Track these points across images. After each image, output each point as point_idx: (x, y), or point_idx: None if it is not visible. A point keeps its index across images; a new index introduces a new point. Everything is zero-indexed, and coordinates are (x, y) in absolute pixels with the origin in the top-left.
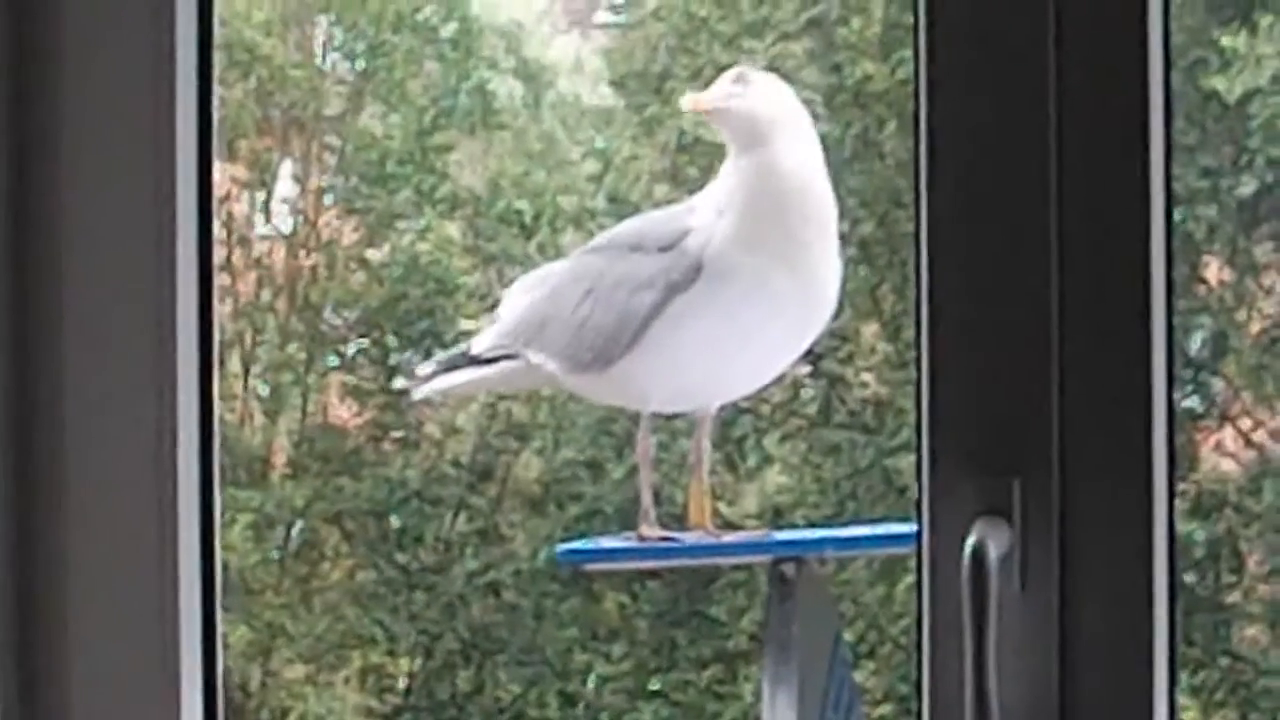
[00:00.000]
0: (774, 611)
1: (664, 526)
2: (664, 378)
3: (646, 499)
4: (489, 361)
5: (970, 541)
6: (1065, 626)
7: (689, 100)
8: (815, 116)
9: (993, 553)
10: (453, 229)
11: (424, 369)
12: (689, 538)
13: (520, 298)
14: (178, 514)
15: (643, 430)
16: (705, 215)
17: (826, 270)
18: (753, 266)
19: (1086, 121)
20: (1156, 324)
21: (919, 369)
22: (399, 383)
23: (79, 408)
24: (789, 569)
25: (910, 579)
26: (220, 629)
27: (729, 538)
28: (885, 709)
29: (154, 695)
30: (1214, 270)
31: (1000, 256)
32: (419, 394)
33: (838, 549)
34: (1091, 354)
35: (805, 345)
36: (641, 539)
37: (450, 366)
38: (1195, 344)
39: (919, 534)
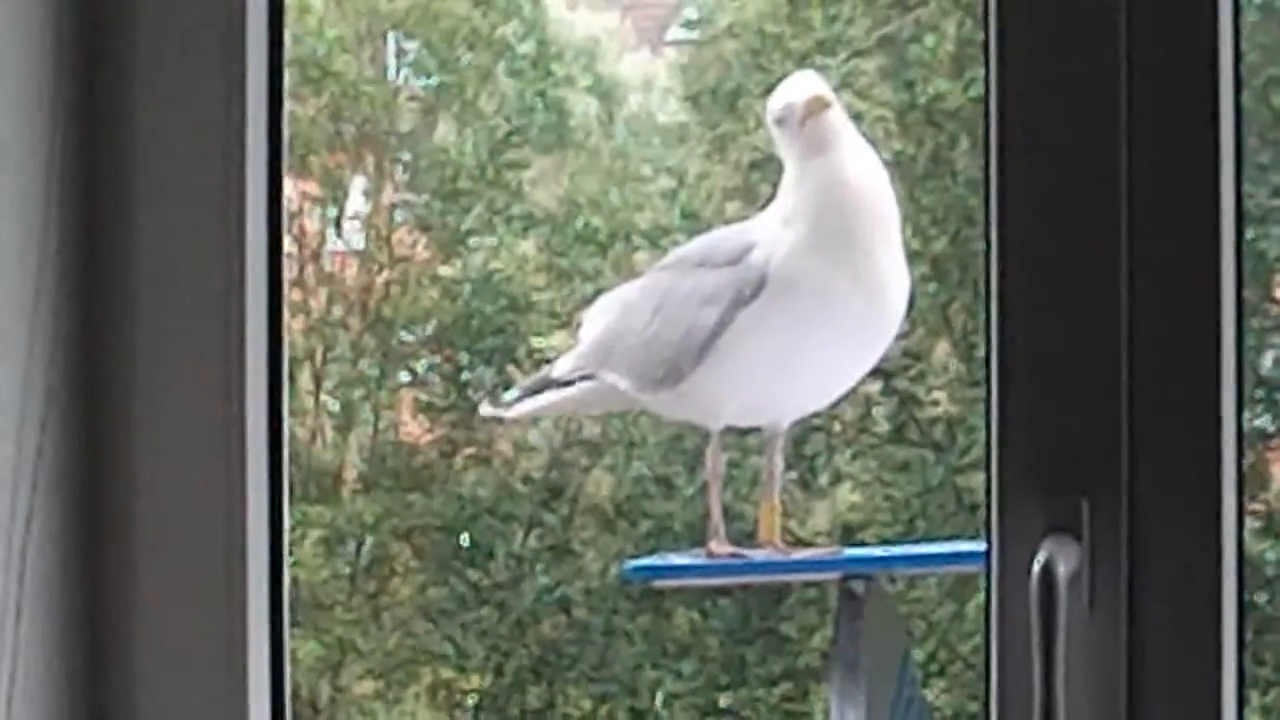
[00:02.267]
0: (843, 629)
1: (734, 543)
2: (732, 392)
3: (716, 515)
4: (570, 384)
5: (1039, 560)
6: (1133, 645)
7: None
8: (887, 134)
9: (1061, 571)
10: (526, 246)
11: (510, 395)
12: (758, 554)
13: (597, 319)
14: (246, 530)
15: (713, 447)
16: (770, 228)
17: (893, 278)
18: (817, 276)
19: (1157, 140)
20: (1227, 343)
21: (989, 387)
22: (485, 409)
23: (149, 422)
24: (858, 586)
25: (980, 598)
26: (288, 645)
27: (798, 555)
28: None
29: (222, 711)
30: None
31: (1070, 274)
32: (507, 416)
33: (907, 567)
34: (1162, 372)
35: (874, 358)
36: (711, 555)
37: (534, 390)
38: (1267, 363)
39: (988, 552)
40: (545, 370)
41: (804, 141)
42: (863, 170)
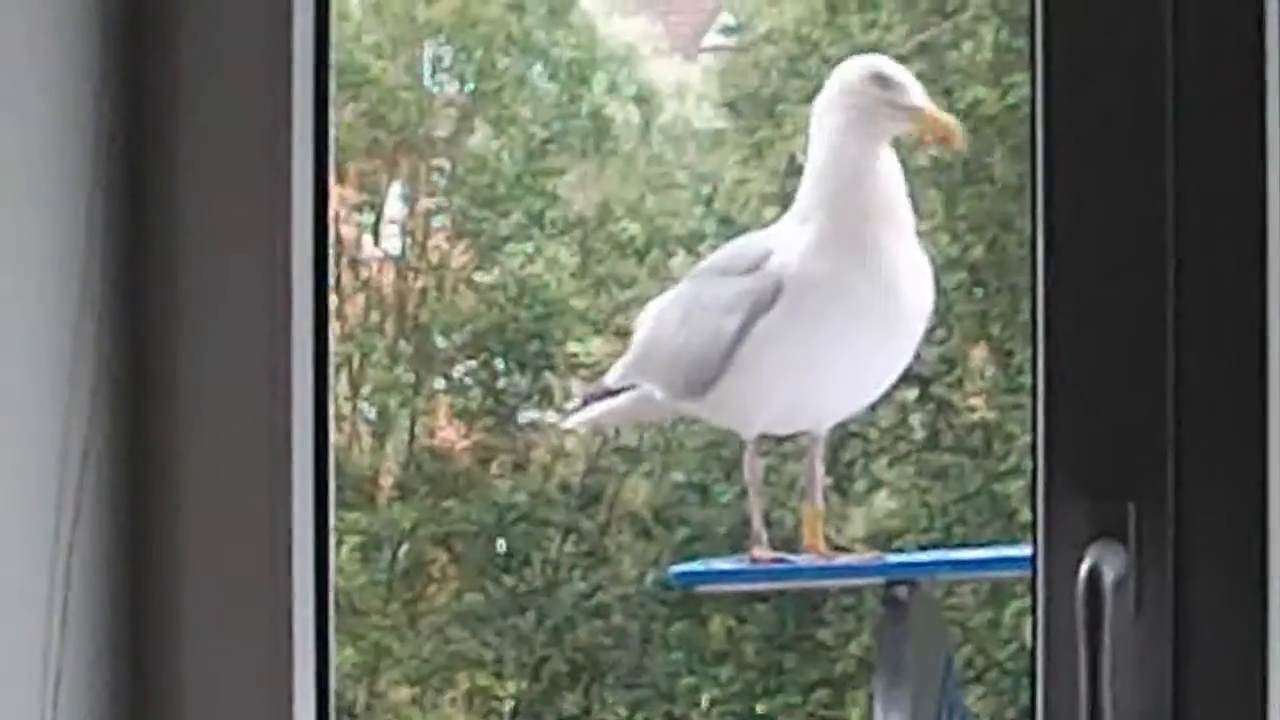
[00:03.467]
0: (886, 634)
1: (773, 549)
2: (761, 399)
3: (757, 521)
4: (618, 393)
5: (1085, 565)
6: (1180, 651)
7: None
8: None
9: (1108, 576)
10: (563, 252)
11: (571, 404)
12: (801, 560)
13: (639, 329)
14: (291, 537)
15: (749, 453)
16: (786, 233)
17: (909, 270)
18: (831, 277)
19: (1203, 144)
20: (1274, 346)
21: (1034, 391)
22: (550, 417)
23: (193, 431)
24: (901, 591)
25: (1018, 604)
26: (334, 653)
27: (842, 560)
28: None
29: (267, 717)
30: None
31: (1116, 279)
32: (564, 426)
33: (951, 572)
34: (1208, 376)
35: (904, 355)
36: (754, 561)
37: (590, 399)
38: None
39: (1033, 557)
40: (600, 381)
41: (850, 129)
42: (882, 165)
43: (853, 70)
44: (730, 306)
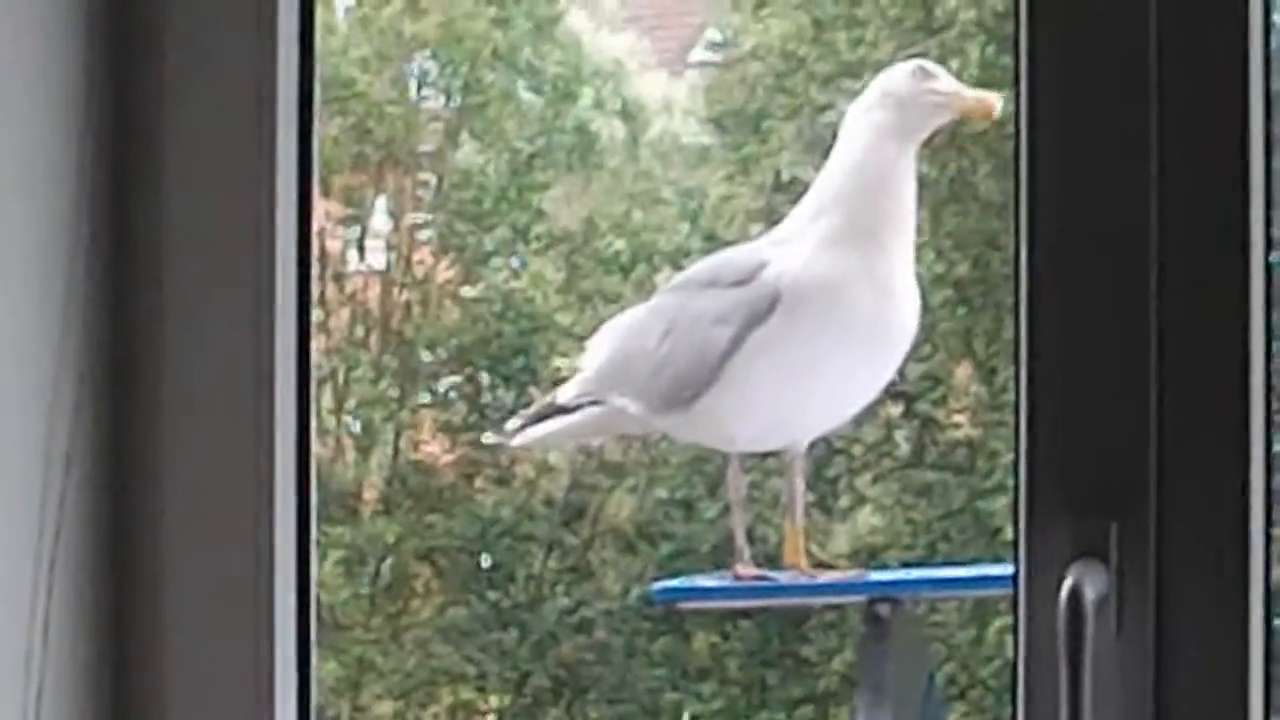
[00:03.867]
0: (868, 651)
1: (757, 566)
2: (746, 414)
3: (741, 538)
4: (575, 410)
5: (1067, 584)
6: (1161, 669)
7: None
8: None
9: (1089, 595)
10: (548, 267)
11: (513, 424)
12: (784, 577)
13: (602, 345)
14: (274, 550)
15: (733, 469)
16: (783, 248)
17: (905, 283)
18: (832, 283)
19: (1188, 162)
20: (1256, 365)
21: (1017, 410)
22: (488, 438)
23: (177, 443)
24: (884, 609)
25: (1001, 622)
26: (315, 667)
27: (825, 577)
28: None
29: None
30: None
31: (1099, 297)
32: (511, 444)
33: (933, 590)
34: (1190, 395)
35: (890, 369)
36: (738, 578)
37: (539, 418)
38: None
39: (1015, 575)
40: (549, 397)
41: (889, 128)
42: (907, 173)
43: (896, 70)
44: (721, 318)
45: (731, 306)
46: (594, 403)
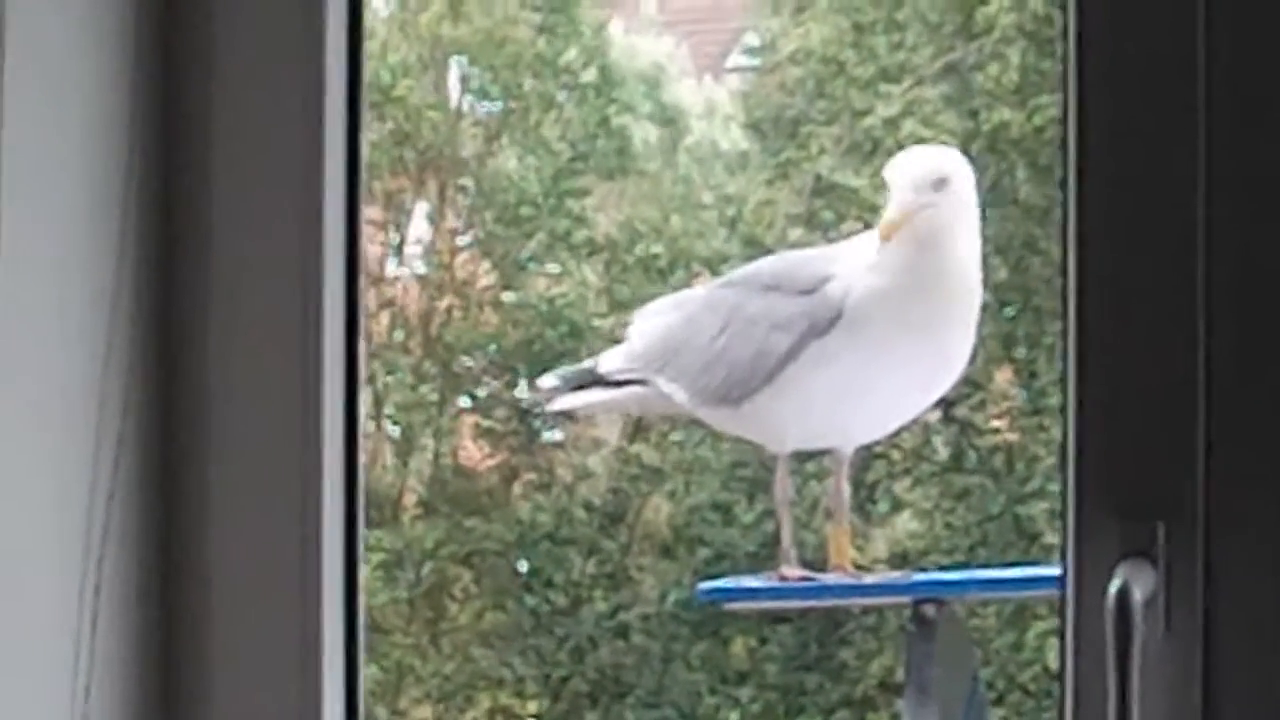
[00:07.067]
0: (915, 652)
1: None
2: (795, 418)
3: (786, 539)
4: (616, 384)
5: (1115, 584)
6: (1209, 670)
7: (885, 229)
8: None
9: (1137, 596)
10: (588, 272)
11: (546, 381)
12: (830, 578)
13: (653, 322)
14: (321, 555)
15: (780, 471)
16: (851, 265)
17: (963, 344)
18: (892, 325)
19: (1236, 165)
20: None
21: (1063, 411)
22: (523, 395)
23: (224, 449)
24: (930, 610)
25: (1041, 625)
26: (362, 671)
27: (871, 578)
28: None
29: None
30: None
31: (1146, 299)
32: (547, 409)
33: (980, 591)
34: (1238, 396)
35: (944, 386)
36: (783, 579)
37: (577, 384)
38: None
39: (1063, 576)
40: (589, 363)
41: (924, 236)
42: (967, 255)
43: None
44: (781, 324)
45: (793, 315)
46: (637, 380)
